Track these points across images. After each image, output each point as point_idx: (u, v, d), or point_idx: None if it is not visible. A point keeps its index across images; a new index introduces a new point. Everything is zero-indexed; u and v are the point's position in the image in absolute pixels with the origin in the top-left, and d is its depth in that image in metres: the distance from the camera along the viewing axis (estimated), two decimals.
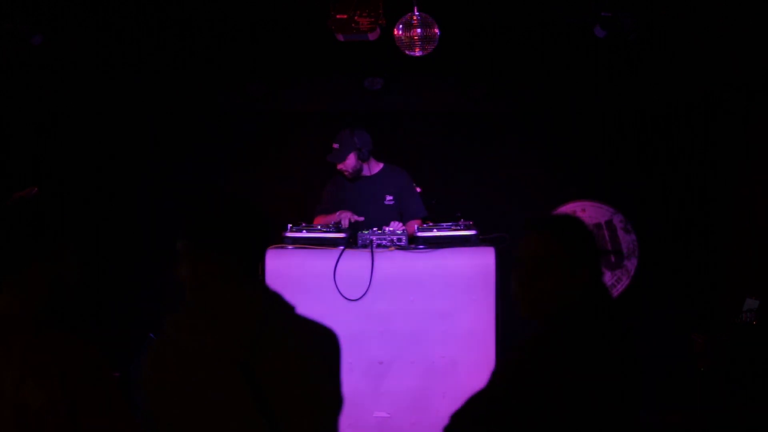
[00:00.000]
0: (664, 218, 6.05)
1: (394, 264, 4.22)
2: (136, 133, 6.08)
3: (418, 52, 4.41)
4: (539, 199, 6.09)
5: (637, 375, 1.87)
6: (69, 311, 1.82)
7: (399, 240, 4.27)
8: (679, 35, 5.07)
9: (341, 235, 4.32)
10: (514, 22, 5.15)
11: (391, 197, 4.87)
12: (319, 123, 6.12)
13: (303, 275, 4.16)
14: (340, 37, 4.50)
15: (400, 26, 4.35)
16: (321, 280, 4.15)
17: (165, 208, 5.87)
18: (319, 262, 4.20)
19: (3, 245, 1.74)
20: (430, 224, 4.41)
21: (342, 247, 4.24)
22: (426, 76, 6.04)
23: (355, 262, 4.19)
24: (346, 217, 4.58)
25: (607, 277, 6.12)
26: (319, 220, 4.79)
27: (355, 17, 4.35)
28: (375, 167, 4.92)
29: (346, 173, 4.82)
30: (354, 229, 4.50)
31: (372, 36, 4.44)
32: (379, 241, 4.25)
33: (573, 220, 1.99)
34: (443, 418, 1.89)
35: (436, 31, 4.34)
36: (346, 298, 4.15)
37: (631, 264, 6.11)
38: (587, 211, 6.17)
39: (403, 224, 4.56)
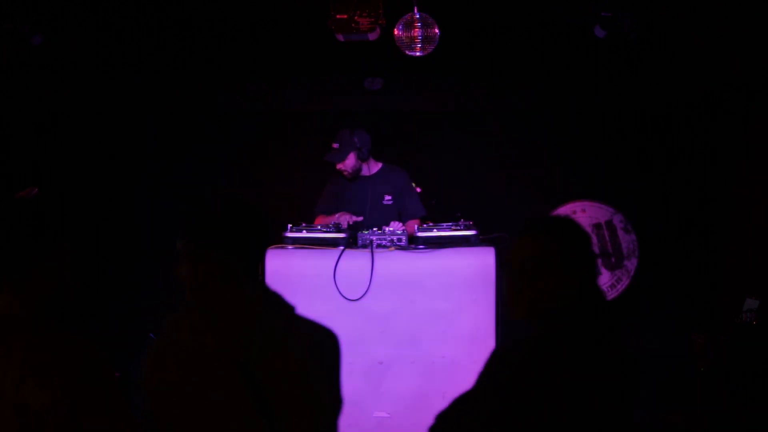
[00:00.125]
0: (664, 218, 6.05)
1: (394, 264, 4.22)
2: (136, 133, 6.08)
3: (418, 52, 4.41)
4: (539, 199, 6.09)
5: (631, 377, 1.86)
6: (69, 311, 1.82)
7: (399, 240, 4.27)
8: (679, 35, 5.07)
9: (341, 235, 4.32)
10: (514, 22, 5.15)
11: (390, 197, 4.87)
12: (319, 123, 6.12)
13: (303, 275, 4.16)
14: (340, 37, 4.50)
15: (400, 26, 4.35)
16: (321, 280, 4.15)
17: (165, 208, 5.87)
18: (319, 262, 4.19)
19: (3, 245, 1.74)
20: (430, 224, 4.41)
21: (342, 247, 4.24)
22: (426, 76, 6.04)
23: (355, 262, 4.19)
24: (345, 220, 4.58)
25: (607, 277, 6.12)
26: (319, 221, 4.79)
27: (355, 17, 4.35)
28: (374, 167, 4.92)
29: (345, 173, 4.82)
30: (354, 229, 4.50)
31: (372, 36, 4.44)
32: (379, 241, 4.25)
33: (567, 222, 1.97)
34: None
35: (436, 31, 4.34)
36: (346, 298, 4.15)
37: (631, 264, 6.11)
38: (587, 211, 6.17)
39: (403, 224, 4.56)
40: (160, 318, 1.80)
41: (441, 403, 1.88)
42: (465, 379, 1.89)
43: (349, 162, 4.77)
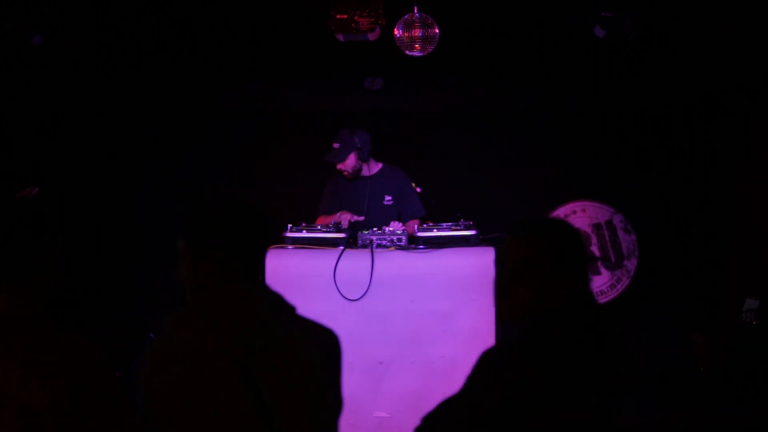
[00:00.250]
0: (664, 218, 6.05)
1: (394, 264, 4.22)
2: (136, 133, 6.08)
3: (418, 52, 4.41)
4: (539, 199, 6.09)
5: (617, 382, 1.84)
6: (69, 311, 1.82)
7: (399, 240, 4.27)
8: (679, 35, 5.07)
9: (341, 235, 4.32)
10: (514, 22, 5.16)
11: (390, 197, 4.87)
12: (319, 123, 6.12)
13: (303, 275, 4.16)
14: (340, 37, 4.50)
15: (400, 26, 4.35)
16: (321, 280, 4.15)
17: (165, 208, 5.86)
18: (319, 262, 4.19)
19: (3, 245, 1.74)
20: (430, 224, 4.41)
21: (342, 247, 4.24)
22: (426, 76, 6.04)
23: (355, 262, 4.19)
24: (345, 219, 4.58)
25: (607, 277, 6.12)
26: (321, 221, 4.80)
27: (355, 17, 4.35)
28: (374, 167, 4.92)
29: (345, 173, 4.82)
30: (354, 229, 4.50)
31: (372, 36, 4.45)
32: (379, 241, 4.25)
33: (558, 225, 1.95)
34: None
35: (436, 31, 4.34)
36: (346, 298, 4.15)
37: (631, 264, 6.11)
38: (587, 211, 6.17)
39: (403, 224, 4.57)
40: (160, 318, 1.80)
41: None
42: (465, 379, 1.89)
43: (350, 162, 4.77)
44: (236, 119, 6.15)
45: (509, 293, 1.86)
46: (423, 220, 4.75)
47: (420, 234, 4.30)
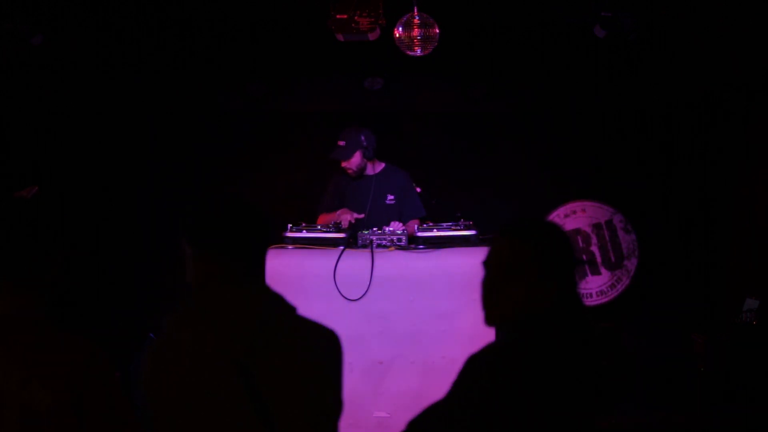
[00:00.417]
0: (664, 218, 6.05)
1: (394, 264, 4.22)
2: (136, 133, 6.08)
3: (418, 52, 4.41)
4: (539, 198, 6.09)
5: (597, 387, 1.82)
6: (69, 311, 1.82)
7: (399, 240, 4.27)
8: (679, 35, 5.07)
9: (341, 235, 4.32)
10: (514, 22, 5.15)
11: (392, 197, 4.87)
12: (319, 123, 6.12)
13: (303, 275, 4.16)
14: (340, 37, 4.50)
15: (400, 26, 4.35)
16: (321, 280, 4.15)
17: (165, 208, 5.87)
18: (319, 262, 4.19)
19: (3, 245, 1.74)
20: (430, 224, 4.41)
21: (342, 247, 4.24)
22: (426, 76, 6.04)
23: (355, 262, 4.19)
24: (345, 219, 4.58)
25: (607, 277, 6.12)
26: (322, 219, 4.79)
27: (355, 17, 4.35)
28: (378, 166, 4.93)
29: (350, 171, 4.81)
30: (354, 228, 4.50)
31: (372, 36, 4.44)
32: (379, 241, 4.25)
33: (547, 227, 1.92)
34: None
35: (436, 31, 4.34)
36: (346, 298, 4.15)
37: (631, 264, 6.11)
38: (587, 211, 6.17)
39: (403, 224, 4.57)
40: (160, 318, 1.80)
41: None
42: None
43: (355, 160, 4.77)
44: (236, 119, 6.15)
45: (496, 296, 1.84)
46: (423, 220, 4.75)
47: (420, 234, 4.30)
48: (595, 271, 6.12)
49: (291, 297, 1.81)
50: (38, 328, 1.71)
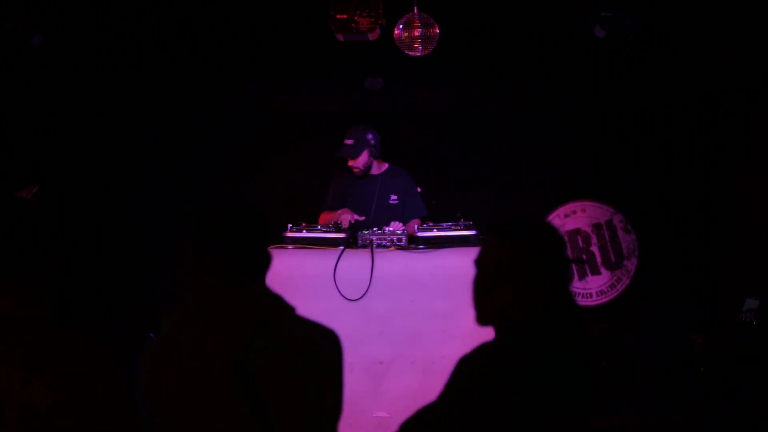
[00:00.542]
0: (664, 218, 6.05)
1: (394, 264, 4.22)
2: (136, 133, 6.08)
3: (418, 52, 4.41)
4: (539, 198, 6.09)
5: (592, 387, 1.81)
6: (69, 311, 1.82)
7: (399, 240, 4.27)
8: (679, 35, 5.07)
9: (341, 235, 4.32)
10: (514, 22, 5.15)
11: (395, 197, 4.87)
12: (319, 123, 6.12)
13: (303, 275, 4.16)
14: (340, 37, 4.50)
15: (400, 26, 4.35)
16: (321, 280, 4.15)
17: (165, 208, 5.87)
18: (319, 262, 4.19)
19: (3, 245, 1.74)
20: (430, 224, 4.41)
21: (342, 247, 4.24)
22: (426, 76, 6.04)
23: (355, 262, 4.19)
24: (346, 219, 4.57)
25: (607, 277, 6.12)
26: (324, 217, 4.78)
27: (355, 17, 4.35)
28: (382, 166, 4.93)
29: (356, 170, 4.80)
30: (354, 228, 4.50)
31: (372, 36, 4.44)
32: (379, 241, 4.25)
33: (541, 226, 1.89)
34: None
35: (436, 31, 4.34)
36: (346, 298, 4.15)
37: (631, 264, 6.11)
38: (587, 211, 6.17)
39: (404, 224, 4.56)
40: (160, 318, 1.80)
41: None
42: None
43: (362, 159, 4.76)
44: (236, 119, 6.15)
45: (489, 295, 1.82)
46: (423, 220, 4.75)
47: (420, 234, 4.30)
48: (595, 271, 6.12)
49: (291, 297, 1.81)
50: (39, 329, 1.70)
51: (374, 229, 4.34)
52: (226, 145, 6.11)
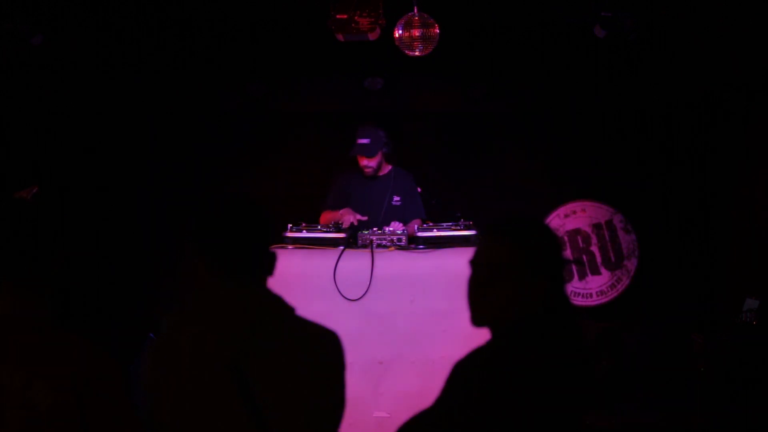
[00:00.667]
0: (664, 218, 6.05)
1: (394, 264, 4.21)
2: (136, 133, 6.08)
3: (418, 52, 4.41)
4: (539, 199, 6.10)
5: (587, 388, 1.80)
6: (69, 311, 1.82)
7: (399, 240, 4.27)
8: (679, 35, 5.07)
9: (341, 235, 4.32)
10: (514, 22, 5.15)
11: (398, 198, 4.85)
12: (319, 123, 6.12)
13: (303, 275, 4.16)
14: (340, 37, 4.50)
15: (400, 26, 4.35)
16: (321, 280, 4.15)
17: (165, 208, 5.88)
18: (319, 262, 4.19)
19: (3, 245, 1.74)
20: (430, 224, 4.41)
21: (342, 247, 4.24)
22: (426, 76, 6.04)
23: (355, 262, 4.18)
24: (348, 220, 4.55)
25: (607, 277, 6.12)
26: (325, 216, 4.77)
27: (355, 17, 4.34)
28: (386, 167, 4.91)
29: (368, 170, 4.77)
30: (354, 228, 4.49)
31: (372, 36, 4.44)
32: (379, 241, 4.25)
33: (537, 227, 1.87)
34: None
35: (436, 31, 4.34)
36: (346, 298, 4.15)
37: (631, 264, 6.11)
38: (587, 211, 6.17)
39: (404, 224, 4.56)
40: (160, 318, 1.80)
41: None
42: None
43: (377, 159, 4.75)
44: (236, 119, 6.15)
45: (484, 296, 1.81)
46: (423, 221, 4.74)
47: (420, 234, 4.30)
48: (595, 271, 6.13)
49: (290, 297, 1.81)
50: (39, 328, 1.70)
51: (374, 229, 4.34)
52: (226, 145, 6.11)
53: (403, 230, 4.34)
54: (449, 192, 5.84)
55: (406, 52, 4.42)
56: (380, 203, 4.77)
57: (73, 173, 5.90)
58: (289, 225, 4.34)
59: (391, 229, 4.34)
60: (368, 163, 4.74)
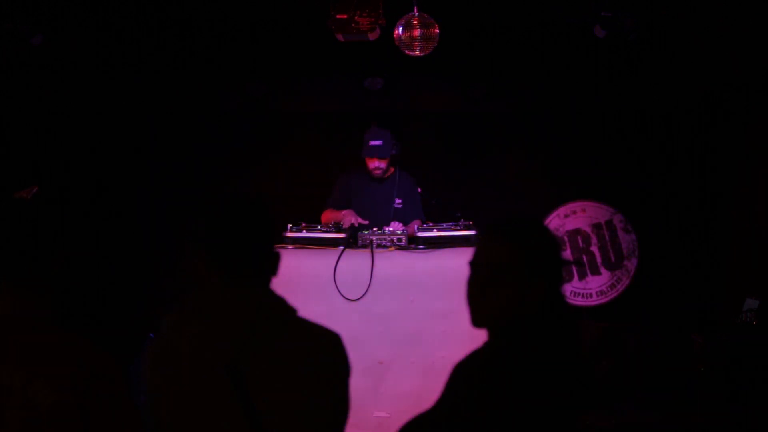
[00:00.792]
0: (664, 218, 6.05)
1: (394, 264, 4.22)
2: (136, 133, 6.08)
3: (418, 52, 4.40)
4: (539, 198, 6.09)
5: (585, 388, 1.80)
6: (69, 311, 1.82)
7: (399, 240, 4.27)
8: (679, 35, 5.07)
9: (341, 235, 4.32)
10: (514, 22, 5.15)
11: (400, 201, 4.86)
12: (319, 123, 6.12)
13: (303, 275, 4.16)
14: (340, 37, 4.50)
15: (400, 26, 4.35)
16: (321, 280, 4.15)
17: (165, 208, 5.88)
18: (319, 262, 4.19)
19: (3, 245, 1.74)
20: (430, 224, 4.41)
21: (342, 248, 4.24)
22: (426, 76, 6.04)
23: (355, 262, 4.19)
24: (348, 220, 4.55)
25: (607, 277, 6.12)
26: (327, 214, 4.77)
27: (355, 17, 4.35)
28: (390, 169, 4.91)
29: (377, 172, 4.77)
30: (354, 229, 4.49)
31: (372, 36, 4.44)
32: (379, 241, 4.25)
33: (536, 228, 1.87)
34: None
35: (436, 31, 4.34)
36: (346, 298, 4.15)
37: (631, 264, 6.11)
38: (587, 211, 6.17)
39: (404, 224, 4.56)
40: (160, 318, 1.80)
41: None
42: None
43: (387, 160, 4.75)
44: (236, 119, 6.15)
45: (483, 298, 1.81)
46: (423, 223, 4.74)
47: (420, 234, 4.30)
48: (595, 271, 6.12)
49: (291, 297, 1.81)
50: (40, 328, 1.70)
51: (374, 229, 4.34)
52: (226, 145, 6.11)
53: (403, 230, 4.34)
54: (449, 192, 5.84)
55: (406, 52, 4.42)
56: (385, 206, 4.77)
57: (73, 173, 5.90)
58: (289, 225, 4.34)
59: (391, 229, 4.34)
60: (380, 165, 4.75)
